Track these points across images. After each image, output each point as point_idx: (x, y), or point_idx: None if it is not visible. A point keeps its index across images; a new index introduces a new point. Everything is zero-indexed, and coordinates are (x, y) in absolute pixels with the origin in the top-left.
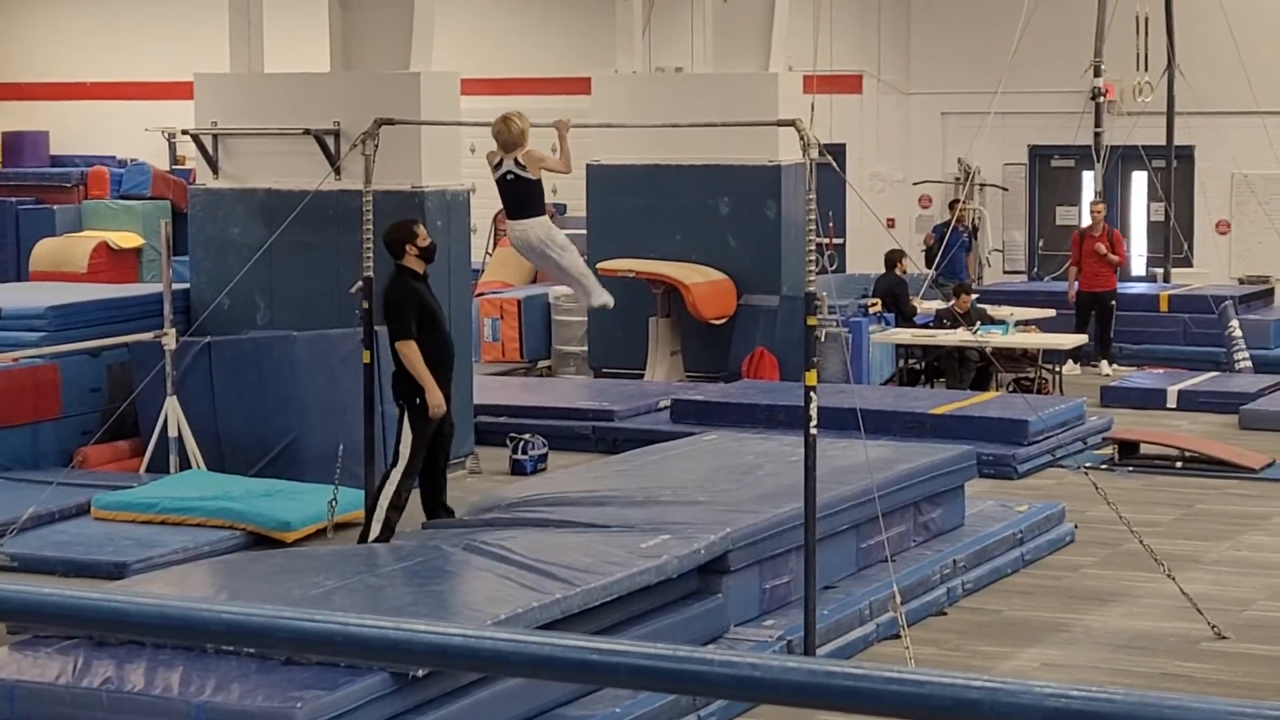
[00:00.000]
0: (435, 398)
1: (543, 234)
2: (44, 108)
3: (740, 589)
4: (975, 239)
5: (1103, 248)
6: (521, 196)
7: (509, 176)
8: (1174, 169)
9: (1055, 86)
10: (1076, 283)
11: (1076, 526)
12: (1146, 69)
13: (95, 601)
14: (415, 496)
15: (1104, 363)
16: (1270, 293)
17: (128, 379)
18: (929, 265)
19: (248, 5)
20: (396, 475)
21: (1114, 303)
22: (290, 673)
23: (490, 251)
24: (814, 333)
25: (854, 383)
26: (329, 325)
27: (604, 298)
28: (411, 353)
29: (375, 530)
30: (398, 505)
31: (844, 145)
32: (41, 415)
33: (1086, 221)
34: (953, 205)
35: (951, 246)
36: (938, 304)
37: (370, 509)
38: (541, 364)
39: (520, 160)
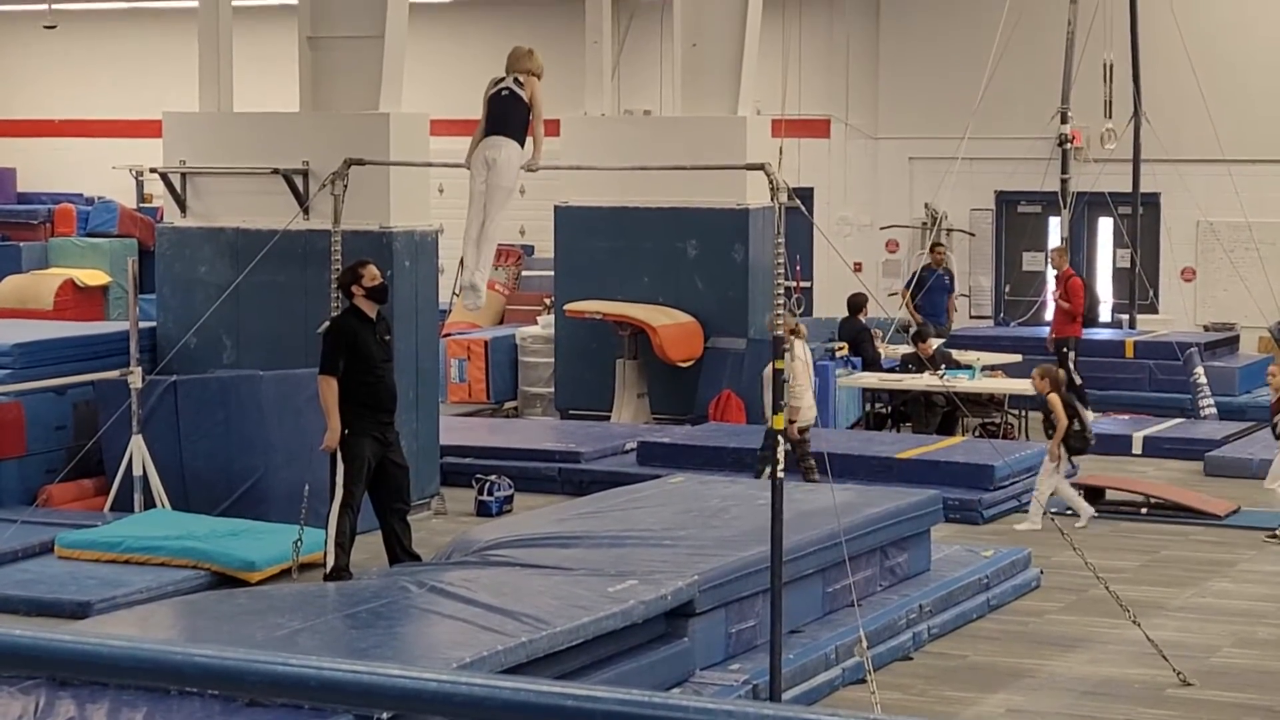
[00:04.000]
0: (330, 437)
1: (511, 158)
2: (11, 144)
3: (706, 633)
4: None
5: (1056, 294)
6: (508, 114)
7: (504, 92)
8: (1140, 216)
9: (1022, 133)
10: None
11: (1042, 572)
12: (1112, 116)
13: (66, 644)
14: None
15: None
16: (1235, 340)
17: (93, 417)
18: (910, 310)
19: (217, 44)
20: (335, 508)
21: (1066, 350)
22: (254, 714)
23: (458, 292)
24: (781, 376)
25: (821, 426)
26: (296, 365)
27: (478, 293)
28: (326, 388)
29: (329, 564)
30: (341, 541)
31: (812, 189)
32: (6, 453)
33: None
34: (934, 249)
35: (932, 289)
36: (904, 348)
37: None
38: (508, 405)
39: (520, 79)
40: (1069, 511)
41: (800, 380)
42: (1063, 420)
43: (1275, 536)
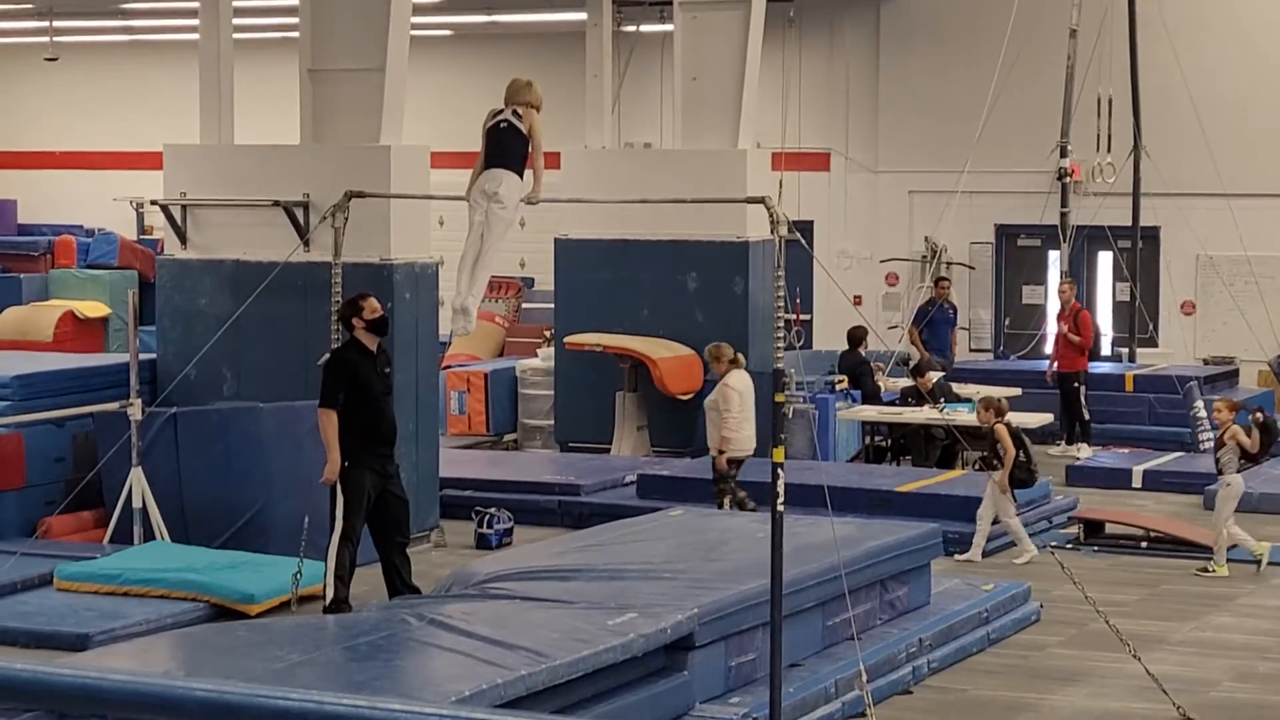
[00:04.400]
0: (330, 469)
1: (512, 190)
2: (12, 176)
3: (706, 666)
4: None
5: (1064, 327)
6: (507, 146)
7: (502, 124)
8: (1139, 250)
9: (1022, 166)
10: (1055, 363)
11: (1042, 606)
12: (1110, 150)
13: (66, 677)
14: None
15: (1061, 443)
16: (1235, 374)
17: (92, 449)
18: (917, 344)
19: (218, 77)
20: (335, 540)
21: (1077, 384)
22: None
23: (455, 331)
24: (781, 409)
25: (820, 459)
26: (296, 397)
27: (469, 317)
28: (326, 421)
29: (328, 596)
30: (341, 574)
31: (812, 222)
32: (5, 485)
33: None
34: (938, 283)
35: (936, 323)
36: (904, 382)
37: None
38: (508, 437)
39: (519, 111)
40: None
41: (736, 411)
42: (1010, 450)
43: (1205, 572)
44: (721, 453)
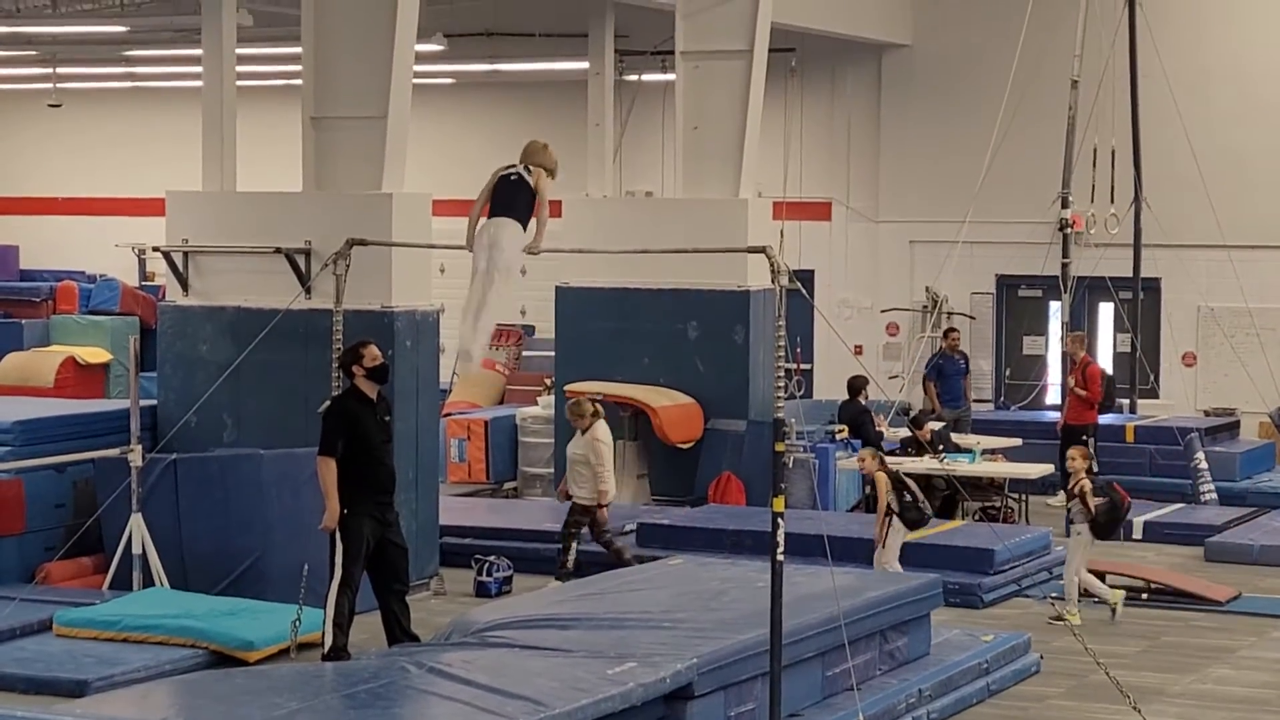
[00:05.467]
0: (329, 518)
1: (514, 238)
2: (14, 222)
3: (705, 716)
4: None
5: (1072, 381)
6: (514, 198)
7: (512, 177)
8: (1140, 301)
9: (1023, 217)
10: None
11: (1042, 657)
12: (1113, 201)
13: None
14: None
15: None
16: (1236, 425)
17: (93, 495)
18: (932, 398)
19: (221, 124)
20: (334, 588)
21: (1086, 438)
22: None
23: (458, 372)
24: (781, 458)
25: (821, 509)
26: (296, 444)
27: (472, 360)
28: (325, 469)
29: (327, 644)
30: (340, 621)
31: (812, 271)
32: (5, 530)
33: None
34: (947, 334)
35: (948, 374)
36: (903, 432)
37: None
38: (507, 485)
39: (530, 169)
40: None
41: (608, 462)
42: (883, 500)
43: (1060, 620)
44: (601, 506)
